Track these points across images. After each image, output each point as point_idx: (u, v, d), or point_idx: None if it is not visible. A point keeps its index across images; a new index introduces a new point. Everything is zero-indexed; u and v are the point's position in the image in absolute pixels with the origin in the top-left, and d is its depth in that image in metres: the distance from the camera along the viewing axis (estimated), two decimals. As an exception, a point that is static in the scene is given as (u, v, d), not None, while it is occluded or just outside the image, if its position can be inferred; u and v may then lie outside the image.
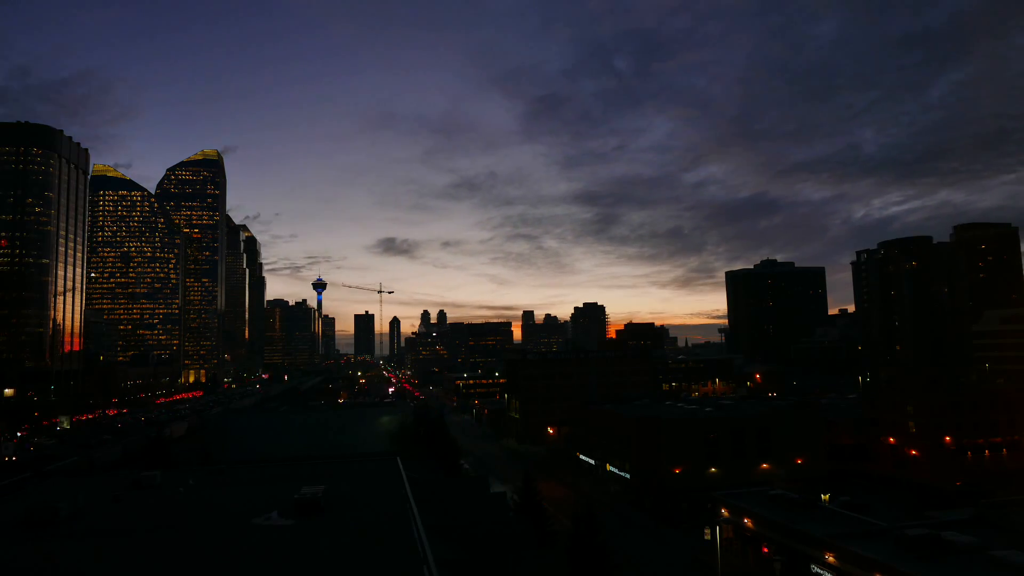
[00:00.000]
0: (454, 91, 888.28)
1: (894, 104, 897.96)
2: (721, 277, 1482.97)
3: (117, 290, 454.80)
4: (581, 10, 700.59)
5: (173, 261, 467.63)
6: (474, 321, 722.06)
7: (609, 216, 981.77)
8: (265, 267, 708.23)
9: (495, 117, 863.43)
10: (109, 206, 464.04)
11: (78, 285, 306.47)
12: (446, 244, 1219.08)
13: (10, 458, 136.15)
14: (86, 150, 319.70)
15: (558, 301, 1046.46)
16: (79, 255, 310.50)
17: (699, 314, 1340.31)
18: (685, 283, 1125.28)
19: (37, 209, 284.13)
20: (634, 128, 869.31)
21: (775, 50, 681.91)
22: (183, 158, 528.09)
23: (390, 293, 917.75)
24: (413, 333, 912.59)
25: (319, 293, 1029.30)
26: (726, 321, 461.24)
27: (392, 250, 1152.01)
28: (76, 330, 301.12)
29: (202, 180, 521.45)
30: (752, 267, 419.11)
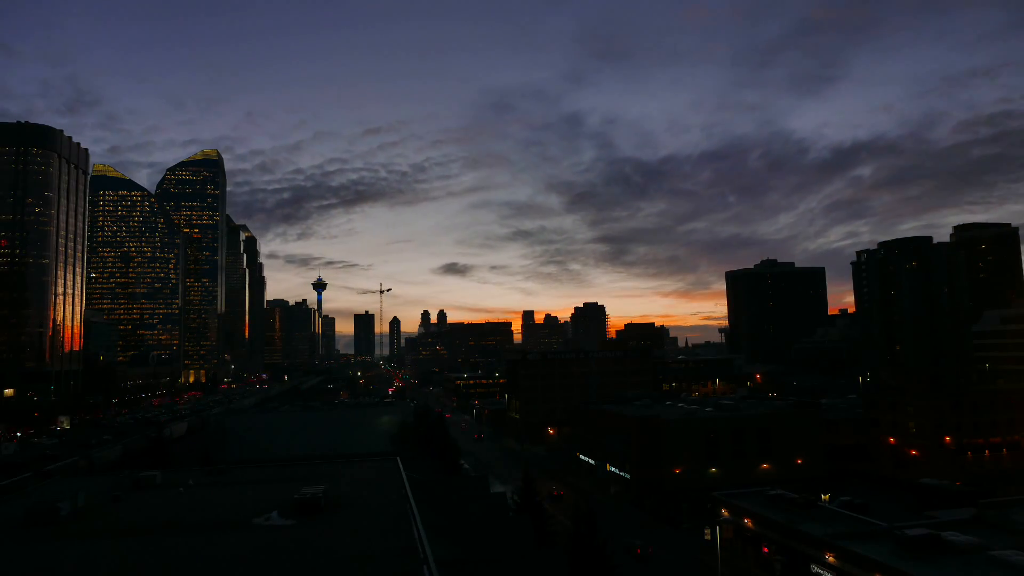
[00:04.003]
0: (528, 193, 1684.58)
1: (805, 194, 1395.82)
2: (718, 287, 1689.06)
3: (117, 290, 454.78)
4: (612, 158, 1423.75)
5: (173, 261, 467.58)
6: (481, 321, 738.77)
7: (621, 249, 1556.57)
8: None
9: (550, 204, 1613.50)
10: (109, 206, 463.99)
11: (78, 285, 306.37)
12: (493, 268, 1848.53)
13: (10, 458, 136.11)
14: (86, 150, 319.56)
15: (573, 306, 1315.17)
16: (79, 255, 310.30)
17: (699, 314, 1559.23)
18: (685, 292, 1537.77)
19: (37, 209, 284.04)
20: (640, 207, 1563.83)
21: (723, 175, 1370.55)
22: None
23: (388, 290, 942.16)
24: (419, 331, 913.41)
25: (319, 293, 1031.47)
26: (726, 322, 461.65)
27: (451, 272, 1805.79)
28: (76, 330, 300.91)
29: (202, 180, 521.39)
30: (752, 267, 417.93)
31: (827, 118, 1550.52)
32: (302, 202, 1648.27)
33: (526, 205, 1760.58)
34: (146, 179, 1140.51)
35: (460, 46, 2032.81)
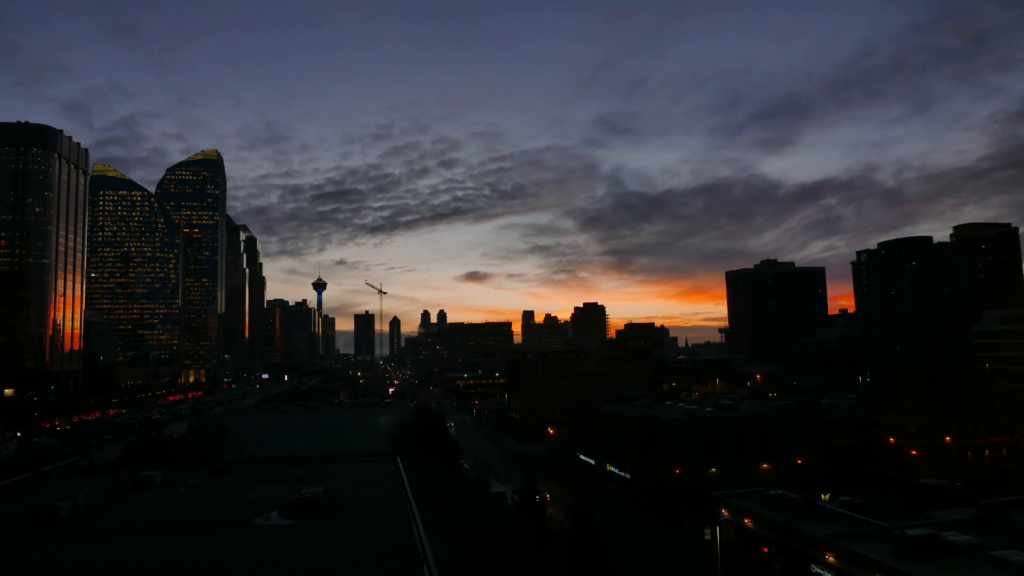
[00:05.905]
0: (548, 219, 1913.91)
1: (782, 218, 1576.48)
2: (717, 291, 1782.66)
3: (117, 290, 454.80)
4: (620, 192, 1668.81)
5: (173, 261, 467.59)
6: (482, 322, 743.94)
7: (625, 259, 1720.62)
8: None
9: (566, 227, 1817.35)
10: (109, 206, 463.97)
11: (78, 285, 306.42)
12: (510, 276, 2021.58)
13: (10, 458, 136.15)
14: (86, 150, 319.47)
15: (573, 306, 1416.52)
16: (79, 255, 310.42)
17: (699, 315, 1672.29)
18: (685, 295, 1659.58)
19: (37, 209, 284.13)
20: (643, 227, 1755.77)
21: (713, 203, 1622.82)
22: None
23: (383, 291, 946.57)
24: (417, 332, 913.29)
25: (319, 293, 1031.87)
26: (726, 322, 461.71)
27: (472, 279, 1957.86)
28: (76, 330, 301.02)
29: (202, 180, 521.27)
30: (752, 267, 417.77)
31: (789, 167, 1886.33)
32: (396, 216, 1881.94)
33: (546, 227, 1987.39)
34: (277, 197, 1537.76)
35: (507, 125, 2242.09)
